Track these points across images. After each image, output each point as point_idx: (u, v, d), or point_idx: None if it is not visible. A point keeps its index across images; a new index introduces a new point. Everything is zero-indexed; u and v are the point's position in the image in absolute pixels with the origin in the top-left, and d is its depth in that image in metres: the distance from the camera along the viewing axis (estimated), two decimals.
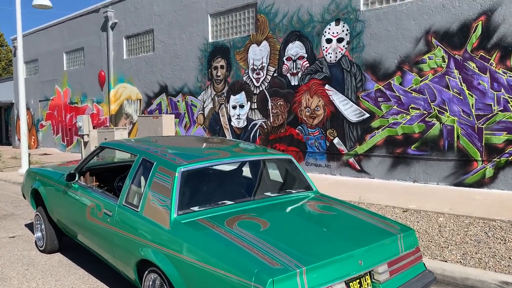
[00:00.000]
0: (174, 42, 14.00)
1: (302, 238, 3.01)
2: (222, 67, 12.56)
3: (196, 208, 3.42)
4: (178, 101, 14.08)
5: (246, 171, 4.53)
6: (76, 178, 4.62)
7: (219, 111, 12.75)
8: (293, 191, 4.11)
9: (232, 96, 12.34)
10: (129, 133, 15.54)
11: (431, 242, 5.07)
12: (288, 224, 3.31)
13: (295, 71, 10.73)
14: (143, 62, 15.26)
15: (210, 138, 5.21)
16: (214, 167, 4.20)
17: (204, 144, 4.53)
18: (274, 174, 4.54)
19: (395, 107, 9.06)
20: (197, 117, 13.48)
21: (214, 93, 12.85)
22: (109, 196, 4.09)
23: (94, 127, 15.59)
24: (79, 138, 14.84)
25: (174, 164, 3.54)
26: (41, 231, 5.52)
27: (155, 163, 3.69)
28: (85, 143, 12.34)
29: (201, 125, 13.34)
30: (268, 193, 3.97)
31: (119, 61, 16.29)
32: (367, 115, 9.49)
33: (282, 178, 4.42)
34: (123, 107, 16.31)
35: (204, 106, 13.21)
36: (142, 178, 3.83)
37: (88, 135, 12.25)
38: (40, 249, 5.48)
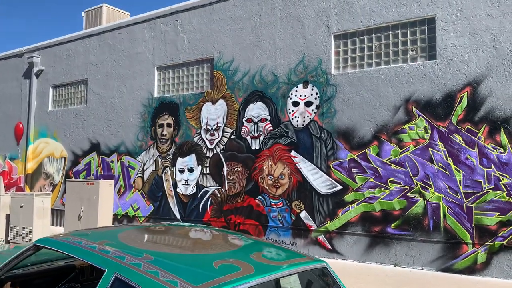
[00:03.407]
0: (111, 94, 12.40)
1: None
2: (169, 125, 11.14)
3: None
4: (112, 162, 12.25)
5: None
6: None
7: (163, 174, 11.14)
8: None
9: (179, 159, 10.86)
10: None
11: None
12: None
13: (256, 134, 9.61)
14: (72, 115, 13.35)
15: (195, 229, 3.74)
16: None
17: (203, 246, 3.07)
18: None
19: (371, 179, 8.17)
20: (134, 181, 11.70)
21: (158, 154, 11.28)
22: None
23: (4, 188, 13.09)
24: None
25: None
26: None
27: None
28: None
29: (139, 191, 11.56)
30: None
31: (42, 113, 14.19)
32: (340, 187, 8.50)
33: None
34: (43, 166, 14.00)
35: (144, 168, 11.53)
36: None
37: None
38: None
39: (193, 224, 4.05)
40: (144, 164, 11.54)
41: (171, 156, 11.03)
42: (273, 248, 3.14)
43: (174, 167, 10.94)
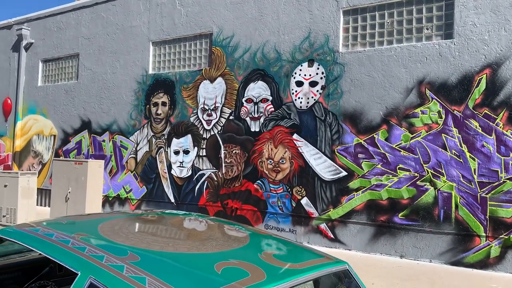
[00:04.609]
0: (104, 70, 11.75)
1: None
2: (164, 104, 10.55)
3: None
4: (104, 141, 11.68)
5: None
6: None
7: (157, 156, 10.59)
8: None
9: (174, 139, 10.31)
10: (38, 174, 12.66)
11: None
12: None
13: (256, 116, 9.06)
14: (62, 91, 12.71)
15: (190, 218, 3.23)
16: None
17: (201, 242, 2.54)
18: None
19: (379, 166, 7.68)
20: (127, 162, 11.15)
21: (152, 134, 10.72)
22: None
23: None
24: None
25: None
26: None
27: None
28: None
29: (132, 172, 11.03)
30: None
31: (31, 88, 13.53)
32: (344, 173, 8.01)
33: None
34: (32, 144, 13.41)
35: (138, 149, 10.97)
36: None
37: None
38: None
39: (187, 213, 3.54)
40: (138, 144, 10.99)
41: (165, 137, 10.47)
42: (285, 245, 2.63)
43: (168, 148, 10.39)
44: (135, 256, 2.03)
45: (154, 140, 10.68)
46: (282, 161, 8.66)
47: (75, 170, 8.25)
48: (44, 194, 12.69)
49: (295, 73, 8.63)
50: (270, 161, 8.80)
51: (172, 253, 2.16)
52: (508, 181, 6.62)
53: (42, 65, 13.44)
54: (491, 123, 6.79)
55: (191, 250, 2.26)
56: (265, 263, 2.19)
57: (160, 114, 10.59)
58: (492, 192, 6.73)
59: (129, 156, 11.13)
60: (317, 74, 8.39)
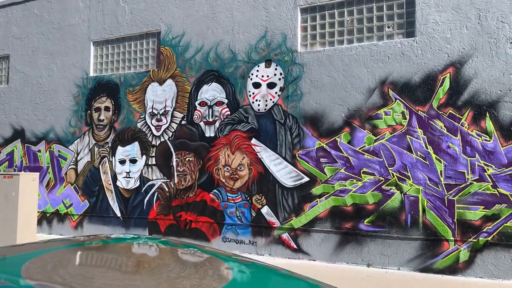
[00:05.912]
0: (39, 73, 10.64)
1: None
2: (107, 108, 9.64)
3: None
4: (40, 151, 10.54)
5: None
6: None
7: (100, 166, 9.65)
8: None
9: (120, 148, 9.43)
10: None
11: None
12: None
13: (211, 120, 8.43)
14: None
15: (146, 245, 2.56)
16: None
17: (159, 279, 1.90)
18: None
19: (342, 170, 7.30)
20: (66, 173, 10.10)
21: (94, 142, 9.77)
22: None
23: None
24: None
25: None
26: None
27: None
28: None
29: (72, 184, 9.99)
30: None
31: None
32: (306, 179, 7.56)
33: None
34: None
35: (78, 159, 9.96)
36: None
37: None
38: None
39: (136, 236, 2.85)
40: (78, 154, 9.98)
41: (109, 145, 9.57)
42: (277, 277, 2.05)
43: (113, 157, 9.49)
44: None
45: (96, 148, 9.73)
46: (240, 167, 8.08)
47: (4, 185, 7.19)
48: None
49: (252, 74, 8.11)
50: (227, 168, 8.19)
51: None
52: (475, 182, 6.45)
53: None
54: (456, 123, 6.60)
55: None
56: None
57: (103, 120, 9.68)
58: (459, 194, 6.53)
59: (69, 167, 10.09)
60: (275, 75, 7.92)
